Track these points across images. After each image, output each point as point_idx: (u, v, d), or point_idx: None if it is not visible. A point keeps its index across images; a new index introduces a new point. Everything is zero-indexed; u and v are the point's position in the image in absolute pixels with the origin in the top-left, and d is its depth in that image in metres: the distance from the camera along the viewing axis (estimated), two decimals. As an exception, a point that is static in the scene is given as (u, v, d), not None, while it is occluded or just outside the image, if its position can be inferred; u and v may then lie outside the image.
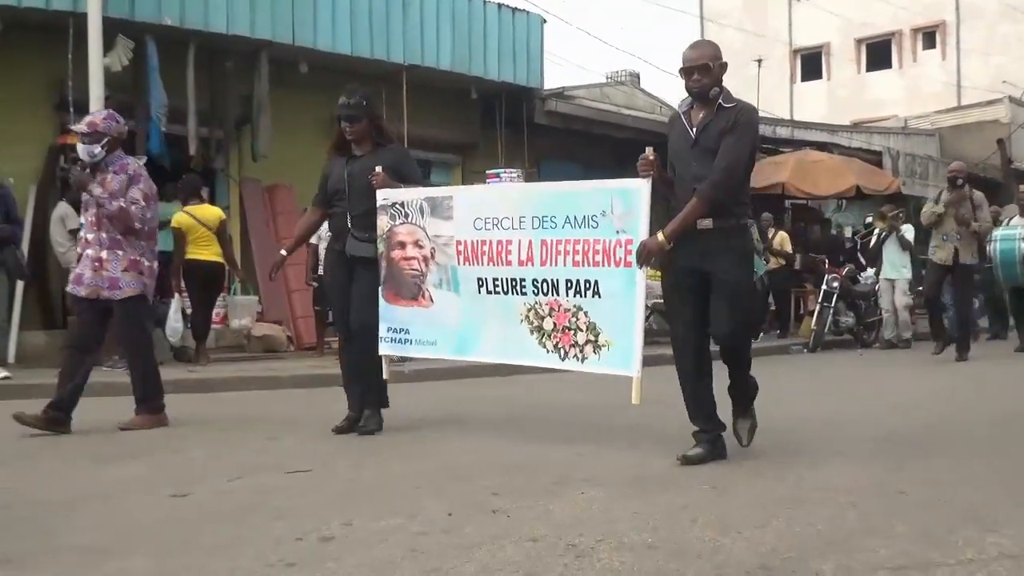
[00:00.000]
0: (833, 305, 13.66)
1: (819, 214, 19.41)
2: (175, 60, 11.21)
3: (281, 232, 12.53)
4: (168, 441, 5.90)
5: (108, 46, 10.38)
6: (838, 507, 3.81)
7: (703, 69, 4.71)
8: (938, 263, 10.93)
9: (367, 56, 12.78)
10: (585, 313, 5.08)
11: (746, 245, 4.92)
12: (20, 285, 10.07)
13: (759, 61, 28.11)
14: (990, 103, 25.78)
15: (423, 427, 6.36)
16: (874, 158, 19.45)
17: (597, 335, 5.04)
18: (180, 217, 10.16)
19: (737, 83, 28.61)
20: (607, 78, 22.07)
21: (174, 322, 9.85)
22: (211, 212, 10.46)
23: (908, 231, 13.46)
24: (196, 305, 10.38)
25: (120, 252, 6.28)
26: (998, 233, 11.57)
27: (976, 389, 8.55)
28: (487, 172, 13.26)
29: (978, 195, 11.21)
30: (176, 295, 10.08)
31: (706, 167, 4.68)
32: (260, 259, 12.10)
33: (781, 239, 14.91)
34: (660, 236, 4.72)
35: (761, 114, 22.54)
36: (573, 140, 16.24)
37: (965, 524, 3.51)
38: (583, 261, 5.08)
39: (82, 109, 9.29)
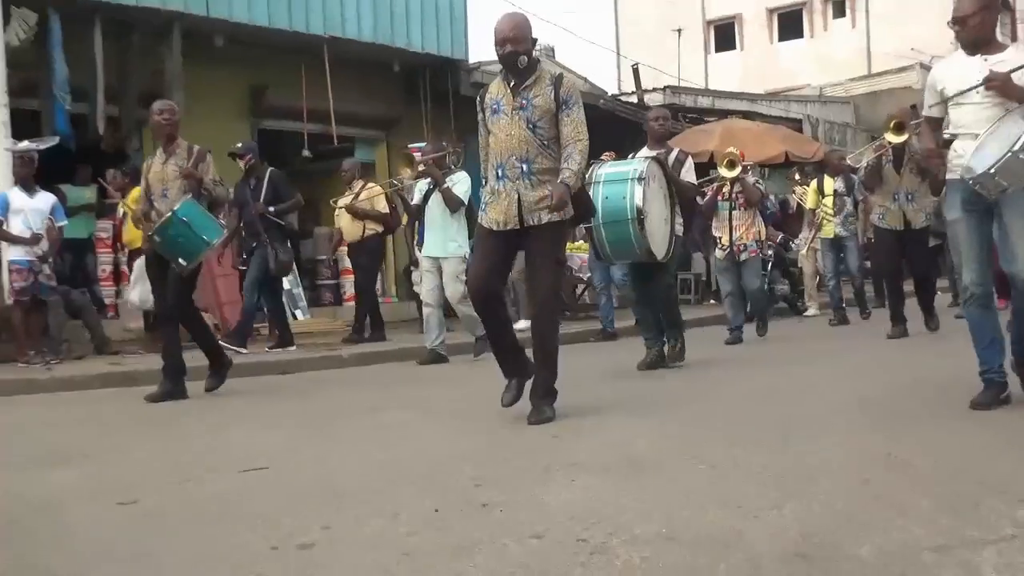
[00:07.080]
0: (769, 273, 13.54)
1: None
2: (82, 35, 10.55)
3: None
4: (101, 441, 5.42)
5: (6, 20, 9.72)
6: (850, 482, 3.56)
7: None
8: None
9: (285, 28, 12.19)
10: None
11: None
12: None
13: (679, 31, 28.04)
14: (902, 70, 26.17)
15: (380, 412, 6.00)
16: (794, 126, 19.53)
17: None
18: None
19: (654, 55, 28.37)
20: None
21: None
22: None
23: (462, 182, 8.67)
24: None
25: None
26: (601, 172, 7.02)
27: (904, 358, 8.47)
28: (409, 146, 12.78)
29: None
30: None
31: None
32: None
33: (370, 195, 10.54)
34: None
35: (681, 84, 22.42)
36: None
37: (987, 496, 3.28)
38: None
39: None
